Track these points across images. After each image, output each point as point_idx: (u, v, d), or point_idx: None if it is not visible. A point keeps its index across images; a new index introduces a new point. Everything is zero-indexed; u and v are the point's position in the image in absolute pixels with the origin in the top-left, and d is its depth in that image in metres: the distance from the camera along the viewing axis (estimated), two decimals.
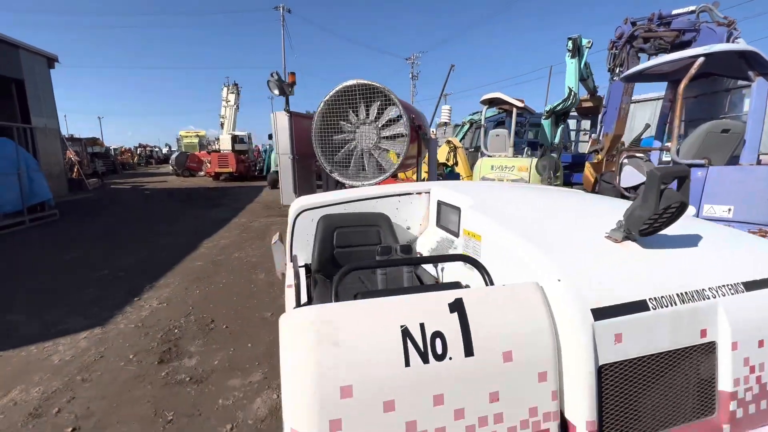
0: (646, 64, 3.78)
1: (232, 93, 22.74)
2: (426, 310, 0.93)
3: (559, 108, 6.90)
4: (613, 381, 1.02)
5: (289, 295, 1.64)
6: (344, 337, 0.86)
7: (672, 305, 1.08)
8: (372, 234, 2.04)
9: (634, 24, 5.48)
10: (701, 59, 3.11)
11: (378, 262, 1.16)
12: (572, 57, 6.83)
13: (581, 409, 0.97)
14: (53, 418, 2.49)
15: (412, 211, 2.20)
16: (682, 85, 3.15)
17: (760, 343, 1.12)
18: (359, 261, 1.32)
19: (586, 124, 9.91)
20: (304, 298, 1.69)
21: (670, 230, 1.28)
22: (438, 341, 0.90)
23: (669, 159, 4.24)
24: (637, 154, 3.72)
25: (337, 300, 1.00)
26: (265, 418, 2.48)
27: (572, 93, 6.71)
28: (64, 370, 3.01)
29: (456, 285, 1.17)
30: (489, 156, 6.79)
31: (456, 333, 0.92)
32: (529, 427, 0.95)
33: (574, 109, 7.46)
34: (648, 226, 1.13)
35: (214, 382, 2.87)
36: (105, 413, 2.53)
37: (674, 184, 1.17)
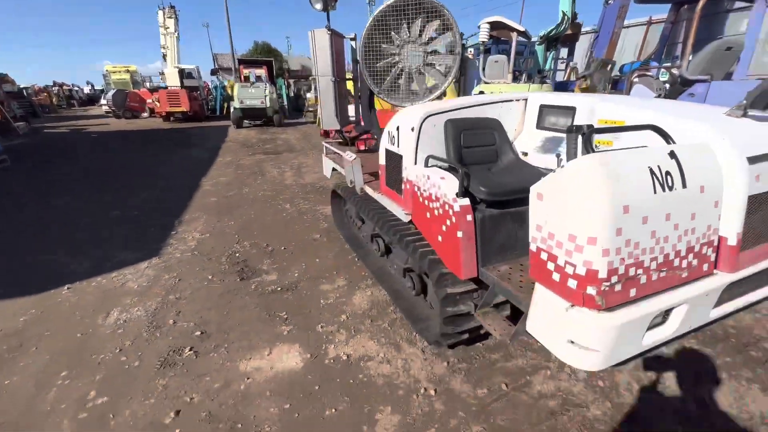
0: None
1: (170, 17, 19.79)
2: (658, 158, 1.27)
3: (552, 33, 7.12)
4: (752, 208, 1.47)
5: (447, 184, 1.91)
6: (620, 173, 1.18)
7: None
8: (488, 135, 2.31)
9: None
10: None
11: (600, 129, 1.44)
12: None
13: (734, 225, 1.42)
14: (173, 327, 2.68)
15: (511, 116, 2.48)
16: (700, 5, 3.53)
17: None
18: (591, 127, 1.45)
19: (563, 52, 10.26)
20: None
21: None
22: (668, 177, 1.26)
23: (665, 79, 4.78)
24: (647, 73, 4.19)
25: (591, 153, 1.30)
26: (371, 308, 2.87)
27: (566, 17, 6.92)
28: (150, 292, 3.12)
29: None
30: (486, 83, 6.99)
31: (677, 172, 1.28)
32: (707, 239, 1.39)
33: None
34: None
35: (305, 288, 3.16)
36: (220, 319, 2.76)
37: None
